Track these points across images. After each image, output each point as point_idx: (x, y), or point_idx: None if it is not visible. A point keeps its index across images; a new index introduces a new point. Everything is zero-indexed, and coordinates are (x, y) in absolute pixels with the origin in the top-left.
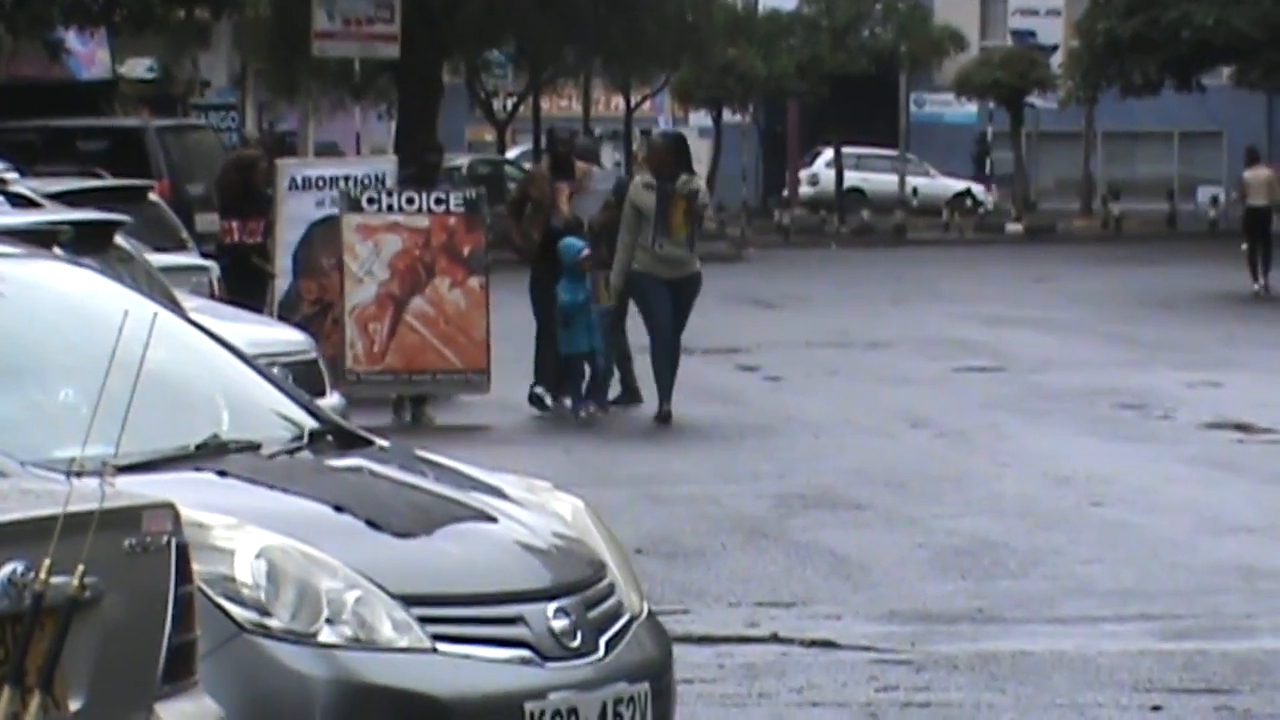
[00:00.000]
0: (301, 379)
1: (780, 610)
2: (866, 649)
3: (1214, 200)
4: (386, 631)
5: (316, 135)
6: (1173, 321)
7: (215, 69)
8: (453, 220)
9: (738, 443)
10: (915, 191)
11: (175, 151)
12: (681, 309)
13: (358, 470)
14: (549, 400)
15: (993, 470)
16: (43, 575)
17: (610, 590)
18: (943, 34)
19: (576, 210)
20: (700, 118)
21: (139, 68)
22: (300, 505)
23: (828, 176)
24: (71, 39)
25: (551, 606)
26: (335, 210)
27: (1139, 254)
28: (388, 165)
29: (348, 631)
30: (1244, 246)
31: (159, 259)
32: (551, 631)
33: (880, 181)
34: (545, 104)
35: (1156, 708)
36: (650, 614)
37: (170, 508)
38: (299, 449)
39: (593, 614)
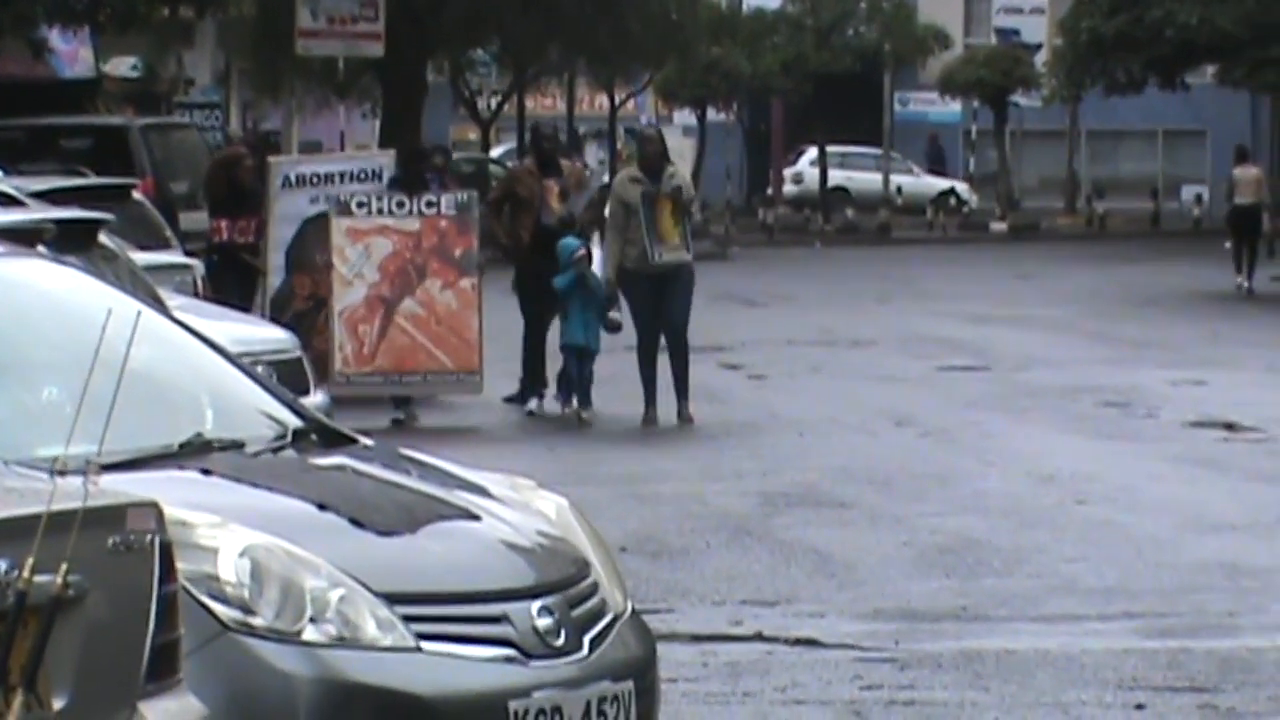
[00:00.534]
0: (285, 377)
1: (764, 608)
2: (851, 647)
3: (1198, 199)
4: (370, 630)
5: (300, 134)
6: (1157, 320)
7: (199, 67)
8: (444, 223)
9: (722, 441)
10: (899, 190)
11: (159, 150)
12: (677, 301)
13: (341, 468)
14: (535, 406)
15: (977, 469)
16: (26, 574)
17: (594, 589)
18: (927, 32)
19: (572, 208)
20: (684, 116)
21: (123, 66)
22: (284, 503)
23: (812, 175)
24: (55, 37)
25: (535, 605)
26: (328, 206)
27: (1123, 252)
28: (384, 160)
29: (332, 630)
30: (1227, 244)
31: (143, 257)
32: (535, 630)
33: (864, 180)
34: (529, 103)
35: (1140, 706)
36: (634, 612)
37: (154, 506)
38: (283, 447)
39: (577, 612)
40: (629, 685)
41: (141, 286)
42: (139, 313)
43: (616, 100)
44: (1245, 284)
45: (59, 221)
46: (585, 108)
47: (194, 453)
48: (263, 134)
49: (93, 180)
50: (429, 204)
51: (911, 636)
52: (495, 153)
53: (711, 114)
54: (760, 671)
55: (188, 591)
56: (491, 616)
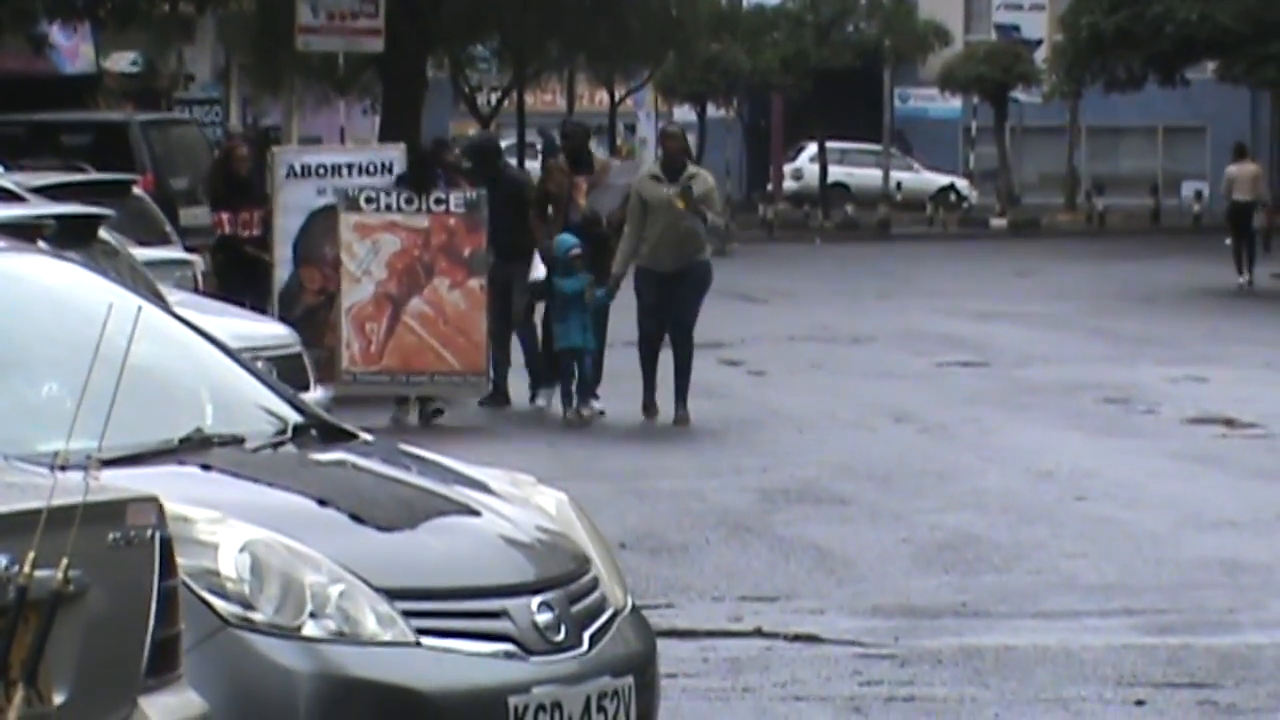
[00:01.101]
0: (285, 373)
1: (764, 605)
2: (850, 643)
3: (1198, 195)
4: (370, 625)
5: (301, 129)
6: (1156, 316)
7: (199, 63)
8: (453, 221)
9: (721, 437)
10: (899, 186)
11: (159, 146)
12: (688, 299)
13: (341, 464)
14: (541, 399)
15: (976, 465)
16: (27, 569)
17: (594, 585)
18: (927, 28)
19: (594, 205)
20: (684, 112)
21: (123, 62)
22: (284, 499)
23: (812, 171)
24: (55, 33)
25: (535, 601)
26: (336, 199)
27: (1123, 249)
28: (394, 154)
29: (331, 625)
30: (1228, 241)
31: (143, 253)
32: (535, 626)
33: (864, 176)
34: (530, 99)
35: (1140, 702)
36: (634, 608)
37: (154, 501)
38: (283, 443)
39: (576, 608)
40: (629, 681)
41: (142, 282)
42: (139, 308)
43: (616, 96)
44: (1246, 281)
45: (59, 217)
46: (585, 104)
47: (194, 448)
48: (263, 129)
49: (93, 176)
50: (438, 201)
51: (911, 632)
52: None
53: (711, 110)
54: (760, 667)
55: (188, 587)
56: (491, 612)
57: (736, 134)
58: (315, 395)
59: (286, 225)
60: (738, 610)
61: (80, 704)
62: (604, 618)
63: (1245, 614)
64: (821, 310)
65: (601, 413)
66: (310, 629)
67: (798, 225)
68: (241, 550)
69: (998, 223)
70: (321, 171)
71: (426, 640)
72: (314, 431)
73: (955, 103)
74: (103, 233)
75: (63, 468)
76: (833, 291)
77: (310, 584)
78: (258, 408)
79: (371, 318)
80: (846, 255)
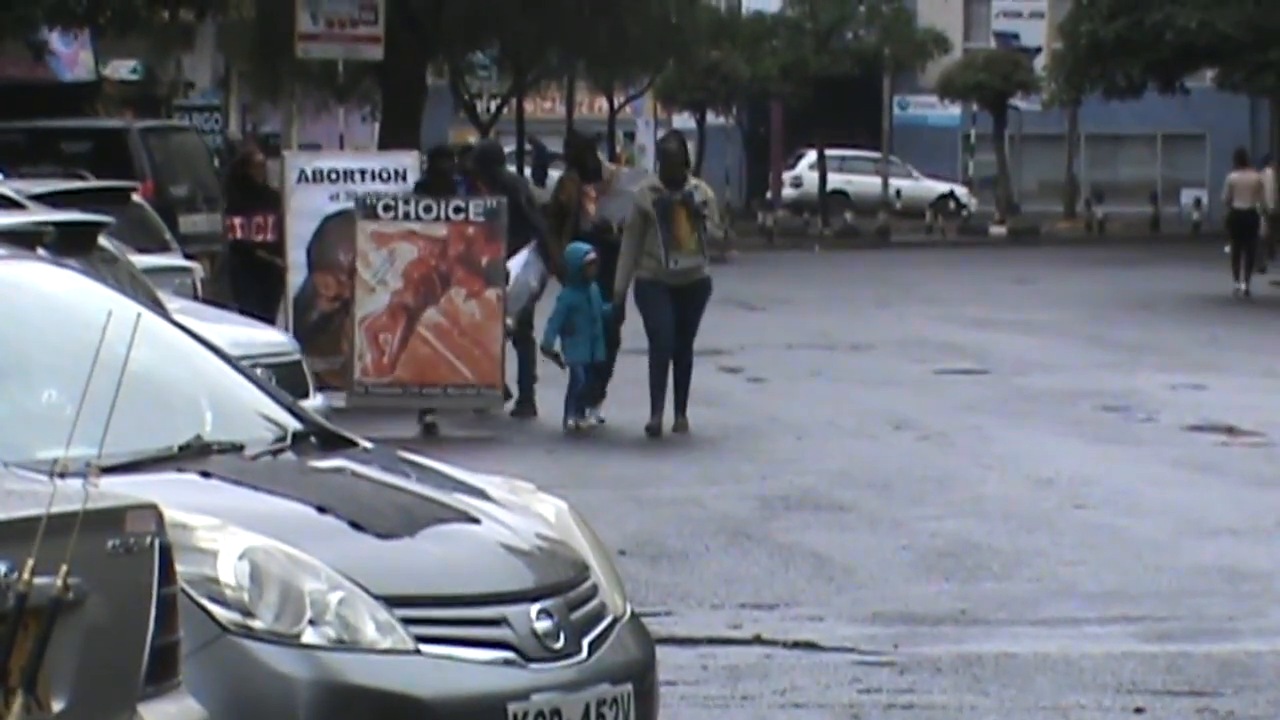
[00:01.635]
0: (285, 380)
1: (763, 612)
2: (849, 651)
3: (1197, 203)
4: (369, 633)
5: (300, 137)
6: (1156, 324)
7: (199, 70)
8: (472, 229)
9: (721, 444)
10: (899, 194)
11: (158, 153)
12: (691, 316)
13: (340, 471)
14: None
15: (976, 472)
16: (26, 576)
17: (593, 592)
18: (926, 36)
19: (603, 212)
20: (683, 120)
21: (123, 69)
22: (283, 506)
23: (811, 179)
24: (55, 40)
25: (535, 608)
26: (350, 204)
27: (1122, 256)
28: (408, 160)
29: (331, 633)
30: (1226, 249)
31: (142, 260)
32: (534, 633)
33: (863, 184)
34: (529, 106)
35: (1139, 710)
36: (633, 615)
37: (153, 509)
38: (282, 450)
39: (576, 615)
40: (628, 688)
41: (141, 289)
42: (139, 315)
43: (616, 104)
44: (1244, 288)
45: (59, 224)
46: (584, 111)
47: (193, 455)
48: (262, 137)
49: (92, 183)
50: (457, 209)
51: (910, 640)
52: None
53: (711, 117)
54: (759, 675)
55: (187, 594)
56: (490, 619)
57: (736, 141)
58: (315, 402)
59: (298, 230)
60: (737, 618)
61: (79, 711)
62: (603, 625)
63: (1245, 621)
64: (821, 318)
65: (601, 421)
66: (309, 636)
67: (797, 233)
68: (241, 557)
69: (997, 230)
70: (334, 176)
71: (426, 647)
72: (313, 439)
73: (954, 110)
74: (102, 240)
75: (62, 475)
76: (832, 299)
77: (309, 591)
78: (257, 415)
79: (385, 328)
80: (846, 263)
